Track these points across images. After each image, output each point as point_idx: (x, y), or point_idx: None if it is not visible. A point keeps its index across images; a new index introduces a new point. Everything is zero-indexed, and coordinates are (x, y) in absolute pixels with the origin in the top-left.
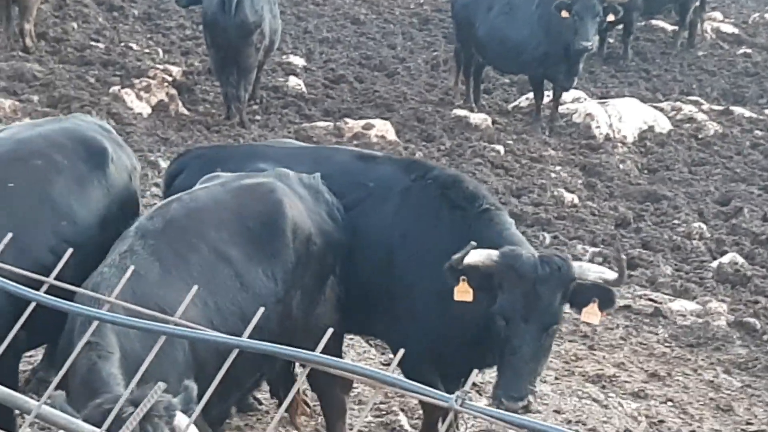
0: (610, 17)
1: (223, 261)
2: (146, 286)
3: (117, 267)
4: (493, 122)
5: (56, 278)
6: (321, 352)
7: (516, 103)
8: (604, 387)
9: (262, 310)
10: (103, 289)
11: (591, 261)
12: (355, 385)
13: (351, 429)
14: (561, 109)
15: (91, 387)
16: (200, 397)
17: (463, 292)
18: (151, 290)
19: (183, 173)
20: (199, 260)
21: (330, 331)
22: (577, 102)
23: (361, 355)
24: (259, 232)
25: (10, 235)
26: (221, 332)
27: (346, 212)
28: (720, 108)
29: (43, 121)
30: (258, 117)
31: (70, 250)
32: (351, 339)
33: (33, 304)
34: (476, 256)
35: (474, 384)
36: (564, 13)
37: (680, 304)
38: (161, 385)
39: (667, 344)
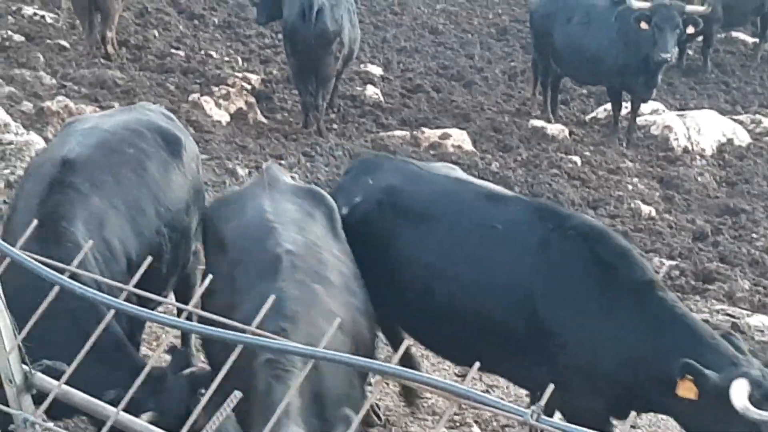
0: (690, 29)
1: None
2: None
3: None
4: (570, 133)
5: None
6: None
7: (593, 114)
8: None
9: (338, 321)
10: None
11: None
12: (428, 396)
13: None
14: (639, 120)
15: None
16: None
17: (687, 390)
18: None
19: (346, 176)
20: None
21: (406, 343)
22: (655, 114)
23: (435, 365)
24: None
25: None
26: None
27: (468, 250)
28: None
29: (114, 111)
30: (335, 125)
31: (149, 258)
32: (425, 349)
33: (112, 312)
34: (737, 388)
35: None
36: (643, 25)
37: (758, 320)
38: (237, 394)
39: None
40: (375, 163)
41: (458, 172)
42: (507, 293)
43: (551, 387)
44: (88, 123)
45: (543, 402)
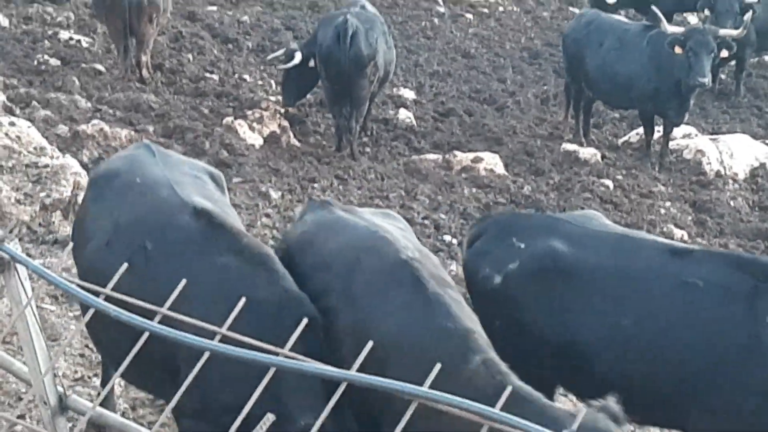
0: (724, 53)
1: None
2: None
3: None
4: (603, 157)
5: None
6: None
7: (626, 138)
8: None
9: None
10: None
11: None
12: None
13: None
14: (671, 144)
15: None
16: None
17: None
18: None
19: (480, 238)
20: None
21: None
22: (687, 138)
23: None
24: None
25: (125, 265)
26: None
27: (669, 310)
28: None
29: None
30: (368, 149)
31: (183, 281)
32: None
33: (146, 334)
34: None
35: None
36: (677, 49)
37: None
38: (270, 417)
39: None
40: (515, 223)
41: (603, 220)
42: (717, 350)
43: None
44: (134, 163)
45: (575, 427)
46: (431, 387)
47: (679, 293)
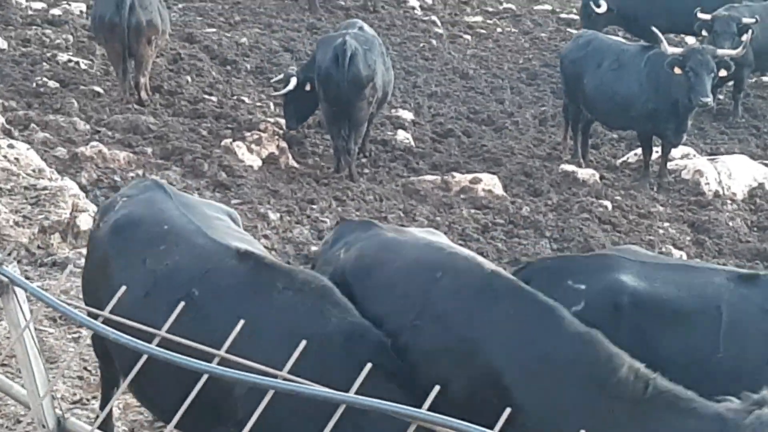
0: (722, 72)
1: None
2: None
3: None
4: (601, 177)
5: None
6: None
7: (624, 158)
8: None
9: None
10: None
11: None
12: None
13: None
14: (670, 165)
15: None
16: None
17: None
18: None
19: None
20: None
21: (437, 388)
22: (686, 158)
23: None
24: None
25: (123, 288)
26: None
27: (752, 337)
28: None
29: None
30: (366, 170)
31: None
32: None
33: (144, 357)
34: None
35: None
36: (677, 70)
37: None
38: None
39: None
40: (566, 265)
41: (646, 252)
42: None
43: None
44: (153, 206)
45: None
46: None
47: (760, 319)
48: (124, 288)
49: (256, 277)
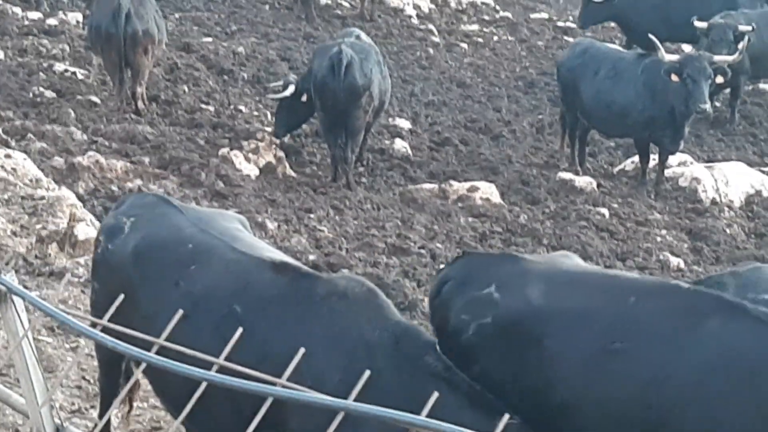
0: (719, 79)
1: None
2: None
3: None
4: (599, 185)
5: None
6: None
7: (621, 166)
8: None
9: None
10: None
11: None
12: None
13: None
14: (667, 172)
15: None
16: None
17: None
18: None
19: None
20: None
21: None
22: (683, 166)
23: None
24: None
25: (180, 312)
26: None
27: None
28: None
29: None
30: (363, 179)
31: (302, 350)
32: None
33: (143, 365)
34: None
35: None
36: (674, 77)
37: None
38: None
39: None
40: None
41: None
42: None
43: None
44: (201, 238)
45: None
46: None
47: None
48: (180, 312)
49: (297, 288)
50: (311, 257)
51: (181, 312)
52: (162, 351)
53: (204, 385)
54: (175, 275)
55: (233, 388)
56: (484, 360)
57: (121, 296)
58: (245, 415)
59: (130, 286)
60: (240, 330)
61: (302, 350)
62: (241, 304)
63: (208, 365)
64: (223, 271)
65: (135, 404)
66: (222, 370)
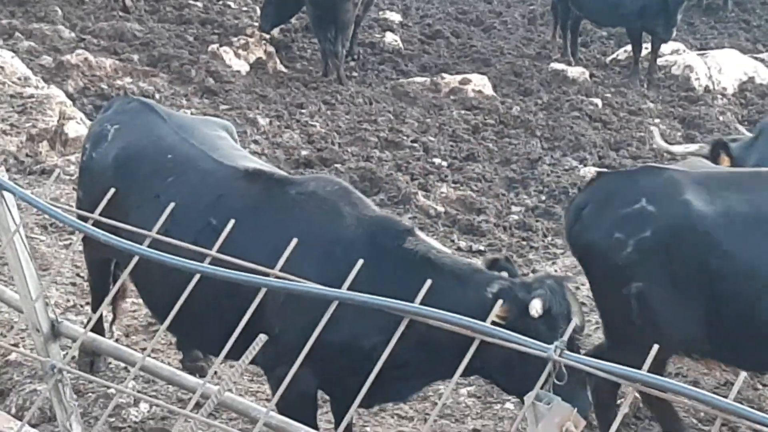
0: None
1: None
2: None
3: None
4: (591, 75)
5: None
6: None
7: (614, 56)
8: None
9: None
10: None
11: None
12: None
13: None
14: (659, 61)
15: None
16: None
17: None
18: None
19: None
20: None
21: (428, 282)
22: (675, 54)
23: None
24: None
25: (172, 204)
26: None
27: None
28: None
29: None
30: (355, 73)
31: (294, 240)
32: None
33: (136, 258)
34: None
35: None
36: None
37: None
38: (262, 337)
39: None
40: (622, 183)
41: None
42: None
43: None
44: (181, 148)
45: (566, 337)
46: None
47: None
48: (172, 205)
49: (270, 194)
50: (303, 152)
51: (173, 205)
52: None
53: (197, 278)
54: (154, 188)
55: (227, 279)
56: (647, 274)
57: (112, 190)
58: (227, 319)
59: (111, 200)
60: (232, 222)
61: (295, 240)
62: (216, 217)
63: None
64: (199, 183)
65: (130, 301)
66: (214, 262)
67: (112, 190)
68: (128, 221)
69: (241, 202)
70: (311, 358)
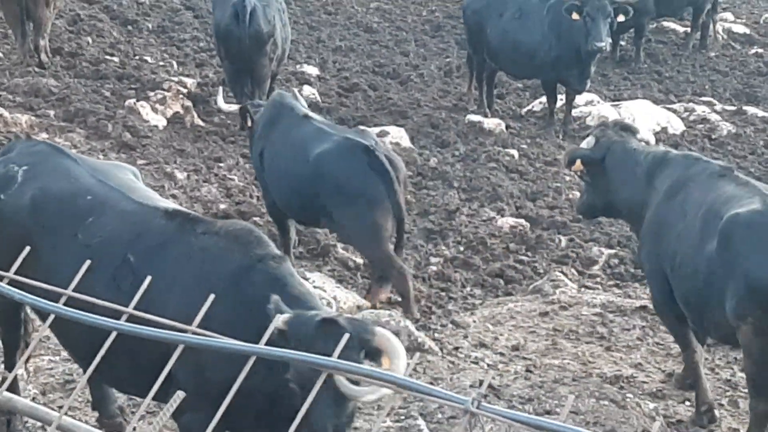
0: (620, 18)
1: None
2: None
3: None
4: (507, 127)
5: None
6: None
7: (529, 107)
8: (621, 387)
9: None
10: None
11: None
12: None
13: None
14: (574, 112)
15: None
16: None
17: None
18: None
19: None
20: None
21: (345, 336)
22: (590, 105)
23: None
24: None
25: (88, 262)
26: None
27: None
28: (733, 108)
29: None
30: None
31: (149, 278)
32: None
33: (52, 317)
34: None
35: (491, 387)
36: (575, 16)
37: None
38: (180, 394)
39: None
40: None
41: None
42: None
43: None
44: (97, 188)
45: (483, 389)
46: None
47: None
48: (88, 262)
49: (181, 231)
50: (222, 206)
51: (88, 262)
52: (68, 302)
53: (114, 335)
54: (74, 227)
55: (145, 336)
56: None
57: (27, 248)
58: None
59: (29, 238)
60: (149, 278)
61: (212, 296)
62: (134, 253)
63: (115, 316)
64: (119, 222)
65: (47, 358)
66: (130, 319)
67: (27, 248)
68: (47, 261)
69: (157, 238)
70: (213, 405)
